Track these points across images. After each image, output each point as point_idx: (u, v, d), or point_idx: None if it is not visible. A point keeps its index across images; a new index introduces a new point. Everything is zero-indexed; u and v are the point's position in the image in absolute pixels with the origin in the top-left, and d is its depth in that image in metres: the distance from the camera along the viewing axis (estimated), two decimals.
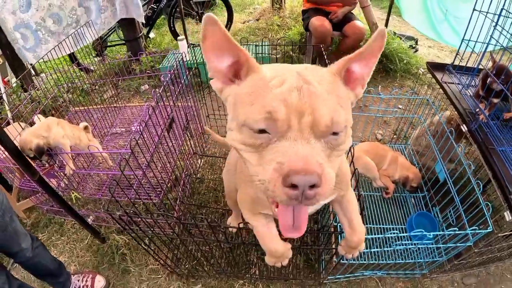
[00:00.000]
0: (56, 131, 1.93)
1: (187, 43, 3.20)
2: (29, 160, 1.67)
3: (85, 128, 2.20)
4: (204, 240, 1.39)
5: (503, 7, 1.69)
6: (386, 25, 3.65)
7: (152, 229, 1.51)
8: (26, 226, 2.21)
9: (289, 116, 0.61)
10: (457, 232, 1.48)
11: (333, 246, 1.55)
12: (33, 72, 3.07)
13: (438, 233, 1.53)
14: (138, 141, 1.63)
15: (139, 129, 1.58)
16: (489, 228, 1.44)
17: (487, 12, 1.74)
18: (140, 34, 3.47)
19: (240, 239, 1.49)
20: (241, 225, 1.22)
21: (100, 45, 3.54)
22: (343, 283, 1.89)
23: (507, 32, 1.61)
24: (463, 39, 1.90)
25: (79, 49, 2.90)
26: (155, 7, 3.93)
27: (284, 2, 4.42)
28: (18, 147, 1.55)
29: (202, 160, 2.57)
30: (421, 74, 2.73)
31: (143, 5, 3.32)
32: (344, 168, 1.05)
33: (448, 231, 1.46)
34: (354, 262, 1.79)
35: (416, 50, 3.78)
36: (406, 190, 2.22)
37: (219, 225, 1.27)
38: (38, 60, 2.36)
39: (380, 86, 3.31)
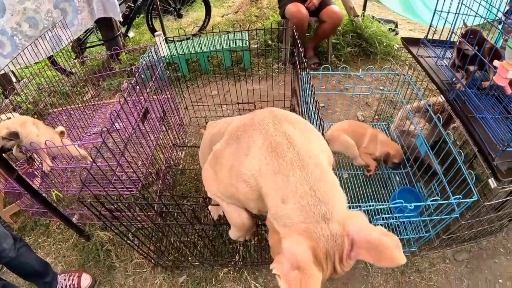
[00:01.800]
0: (30, 130, 1.91)
1: (165, 37, 3.18)
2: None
3: (61, 133, 2.17)
4: (177, 223, 1.38)
5: None
6: (364, 9, 3.64)
7: (130, 221, 1.49)
8: (13, 231, 2.21)
9: None
10: (439, 202, 1.46)
11: None
12: (14, 78, 3.04)
13: (418, 204, 1.50)
14: (110, 131, 1.63)
15: (119, 125, 1.57)
16: (473, 197, 1.42)
17: None
18: (118, 33, 3.45)
19: (212, 220, 1.47)
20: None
21: (79, 47, 3.51)
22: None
23: None
24: (435, 10, 1.89)
25: (59, 53, 2.88)
26: (132, 5, 3.91)
27: None
28: None
29: (183, 152, 2.56)
30: (396, 50, 2.72)
31: (120, 4, 3.29)
32: None
33: (430, 201, 1.44)
34: None
35: (397, 33, 3.78)
36: (388, 167, 2.20)
37: (177, 202, 1.25)
38: (11, 60, 2.31)
39: (360, 70, 3.30)
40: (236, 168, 0.99)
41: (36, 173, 2.09)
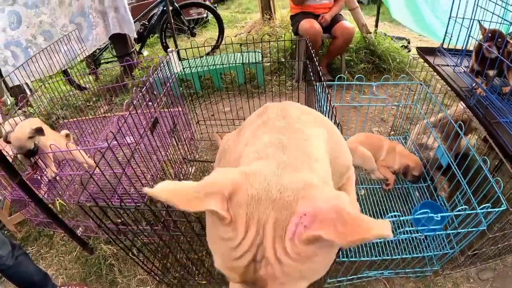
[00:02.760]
0: None
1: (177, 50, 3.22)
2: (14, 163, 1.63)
3: (66, 136, 2.16)
4: (182, 234, 1.31)
5: None
6: (376, 26, 3.64)
7: (134, 233, 1.43)
8: (16, 240, 2.16)
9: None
10: (467, 212, 1.34)
11: None
12: (28, 92, 3.10)
13: (445, 214, 1.40)
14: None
15: (132, 140, 1.55)
16: (502, 206, 1.30)
17: None
18: (132, 50, 3.51)
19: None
20: None
21: (93, 62, 3.58)
22: (347, 286, 1.73)
23: None
24: (450, 16, 1.84)
25: (73, 67, 2.93)
26: (146, 23, 4.01)
27: (274, 12, 4.49)
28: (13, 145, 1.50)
29: (194, 167, 2.49)
30: (411, 60, 2.65)
31: (134, 22, 3.36)
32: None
33: (456, 211, 1.33)
34: (355, 260, 1.66)
35: (409, 50, 3.74)
36: (407, 180, 2.09)
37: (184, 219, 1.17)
38: (17, 67, 2.33)
39: (375, 88, 3.23)
40: (232, 148, 0.93)
41: (41, 180, 2.06)
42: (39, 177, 2.03)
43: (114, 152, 1.54)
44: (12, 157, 1.88)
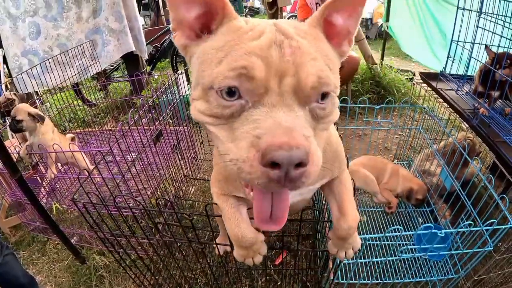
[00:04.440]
0: (46, 129, 1.94)
1: (188, 79, 3.31)
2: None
3: (72, 139, 2.18)
4: (174, 239, 1.28)
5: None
6: (382, 58, 3.74)
7: (129, 239, 1.39)
8: (9, 244, 2.13)
9: (267, 76, 0.51)
10: (472, 229, 1.29)
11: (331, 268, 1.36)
12: (37, 101, 3.18)
13: (448, 230, 1.34)
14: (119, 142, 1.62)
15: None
16: (509, 223, 1.24)
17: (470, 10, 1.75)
18: (143, 70, 3.60)
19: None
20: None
21: (104, 80, 3.66)
22: None
23: (495, 16, 1.59)
24: (451, 40, 1.89)
25: (83, 83, 3.01)
26: (158, 45, 4.15)
27: None
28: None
29: (194, 187, 2.48)
30: (415, 84, 2.67)
31: (147, 44, 3.48)
32: (335, 144, 0.92)
33: (460, 228, 1.27)
34: (355, 282, 1.59)
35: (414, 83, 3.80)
36: (411, 204, 2.03)
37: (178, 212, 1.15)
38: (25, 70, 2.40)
39: (379, 117, 3.24)
40: None
41: (41, 183, 2.06)
42: (38, 179, 2.03)
43: (116, 158, 1.54)
44: (16, 157, 1.89)
